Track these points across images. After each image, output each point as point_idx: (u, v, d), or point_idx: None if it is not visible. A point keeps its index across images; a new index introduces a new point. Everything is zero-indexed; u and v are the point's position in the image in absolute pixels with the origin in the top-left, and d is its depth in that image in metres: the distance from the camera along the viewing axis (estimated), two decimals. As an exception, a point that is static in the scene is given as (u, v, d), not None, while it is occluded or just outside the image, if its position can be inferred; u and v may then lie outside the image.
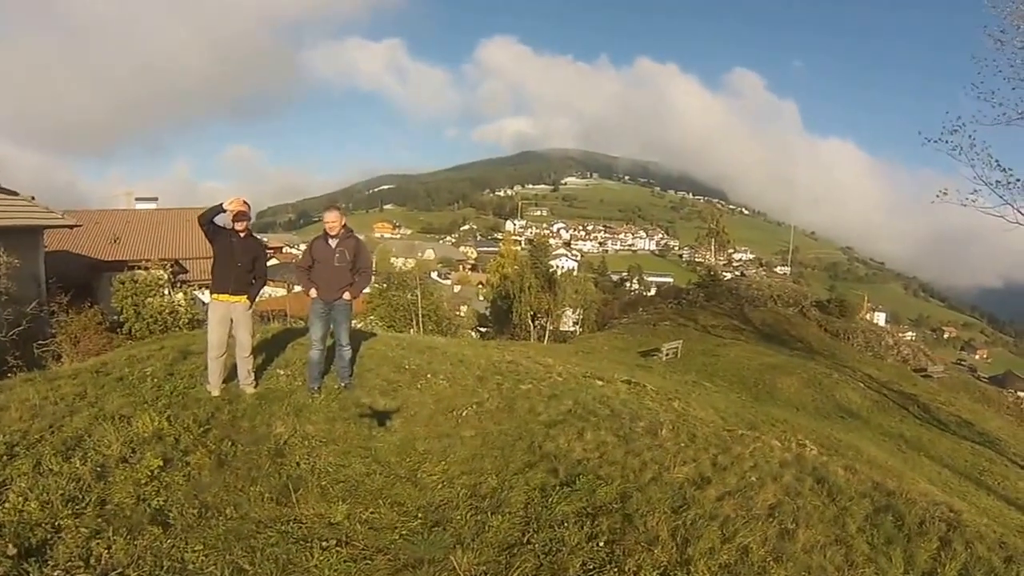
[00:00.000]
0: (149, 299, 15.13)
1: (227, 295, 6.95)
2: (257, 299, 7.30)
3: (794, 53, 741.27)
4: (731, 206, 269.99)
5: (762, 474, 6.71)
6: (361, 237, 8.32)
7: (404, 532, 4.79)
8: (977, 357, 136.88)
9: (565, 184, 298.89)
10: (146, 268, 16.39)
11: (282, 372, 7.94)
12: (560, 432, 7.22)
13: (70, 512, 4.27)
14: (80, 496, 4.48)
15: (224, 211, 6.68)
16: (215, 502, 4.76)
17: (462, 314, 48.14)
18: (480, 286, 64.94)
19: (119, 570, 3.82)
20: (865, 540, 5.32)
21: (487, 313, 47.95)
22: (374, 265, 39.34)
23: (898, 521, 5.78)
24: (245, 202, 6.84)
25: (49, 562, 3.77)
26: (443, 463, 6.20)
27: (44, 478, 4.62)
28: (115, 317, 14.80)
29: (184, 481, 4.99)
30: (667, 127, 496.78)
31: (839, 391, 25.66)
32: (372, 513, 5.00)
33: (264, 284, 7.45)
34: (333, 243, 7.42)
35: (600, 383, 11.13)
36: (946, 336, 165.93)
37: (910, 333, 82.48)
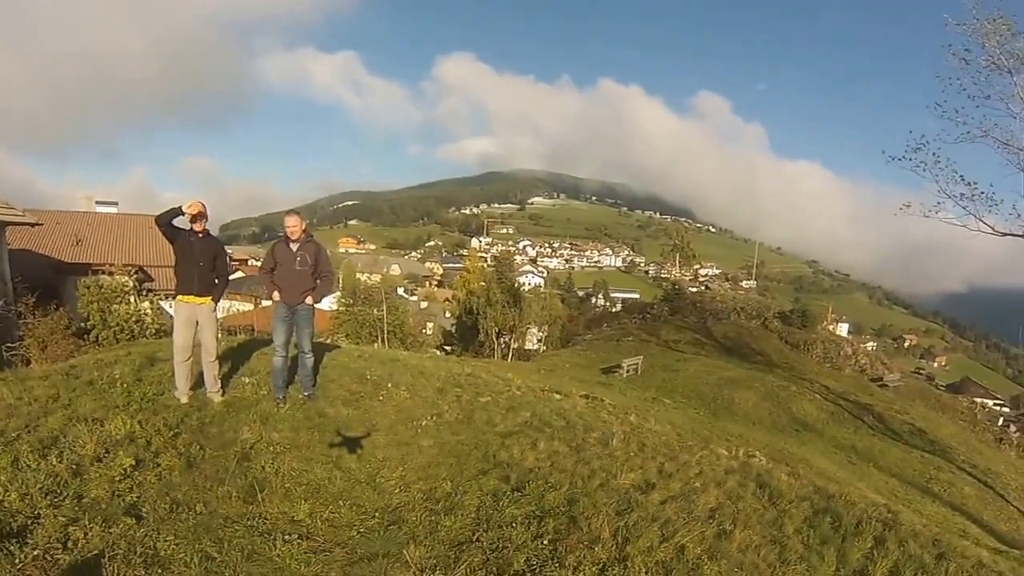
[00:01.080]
0: (115, 306, 14.97)
1: (192, 296, 7.04)
2: (221, 299, 7.44)
3: (759, 77, 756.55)
4: (698, 224, 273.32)
5: (706, 480, 7.05)
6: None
7: (362, 529, 5.13)
8: (936, 364, 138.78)
9: (532, 204, 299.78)
10: (110, 272, 16.14)
11: (248, 380, 8.02)
12: (515, 442, 7.51)
13: (49, 503, 4.52)
14: (58, 490, 4.72)
15: (183, 214, 6.76)
16: (185, 499, 5.03)
17: (428, 331, 47.85)
18: (447, 302, 64.54)
19: (95, 553, 4.09)
20: (801, 540, 5.67)
21: (452, 330, 47.80)
22: (340, 281, 39.05)
23: (835, 522, 6.14)
24: (202, 203, 6.93)
25: (29, 543, 4.04)
26: (401, 469, 6.50)
27: (23, 473, 4.83)
28: (82, 324, 14.65)
29: (156, 480, 5.24)
30: (633, 149, 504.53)
31: (796, 404, 25.84)
32: (332, 512, 5.31)
33: (227, 284, 7.54)
34: (294, 247, 7.53)
35: (558, 397, 11.36)
36: (907, 344, 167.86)
37: (871, 343, 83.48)
